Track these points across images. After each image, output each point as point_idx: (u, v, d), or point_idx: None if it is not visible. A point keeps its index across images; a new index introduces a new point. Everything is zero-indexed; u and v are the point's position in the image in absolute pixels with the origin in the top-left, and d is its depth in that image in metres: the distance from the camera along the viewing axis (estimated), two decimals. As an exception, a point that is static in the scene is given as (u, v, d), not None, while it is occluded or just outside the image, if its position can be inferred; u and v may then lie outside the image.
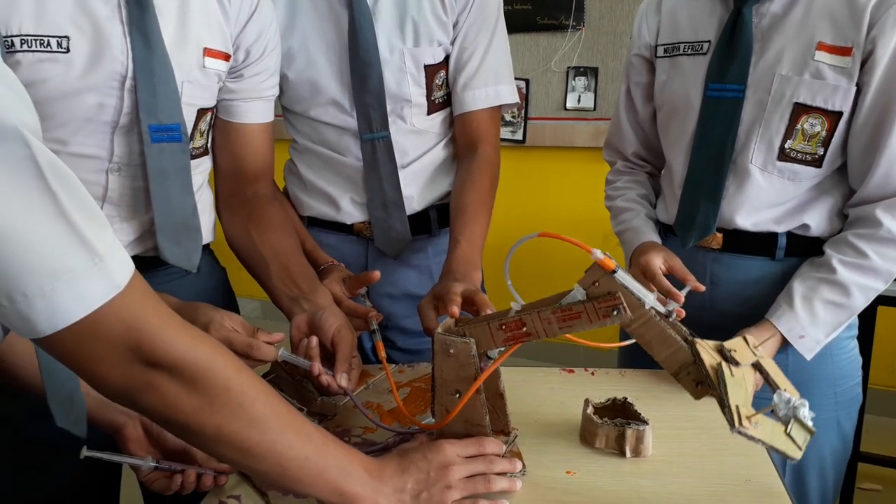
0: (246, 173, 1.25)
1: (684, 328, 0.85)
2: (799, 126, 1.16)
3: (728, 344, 0.84)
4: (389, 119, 1.37)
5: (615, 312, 0.82)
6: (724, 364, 0.81)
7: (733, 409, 0.77)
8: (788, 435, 0.80)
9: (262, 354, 0.96)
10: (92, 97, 1.01)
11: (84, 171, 1.05)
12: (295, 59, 1.35)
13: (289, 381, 1.13)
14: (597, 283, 0.82)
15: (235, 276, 1.35)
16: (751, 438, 0.77)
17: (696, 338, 0.83)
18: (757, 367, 0.85)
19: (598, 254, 0.80)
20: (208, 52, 1.12)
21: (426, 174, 1.44)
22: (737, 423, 0.76)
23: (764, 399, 0.81)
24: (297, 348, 1.08)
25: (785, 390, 0.82)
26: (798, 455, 0.80)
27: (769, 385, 0.85)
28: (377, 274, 1.29)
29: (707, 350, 0.82)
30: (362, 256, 1.46)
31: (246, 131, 1.23)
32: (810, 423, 0.81)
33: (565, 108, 3.09)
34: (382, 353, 1.16)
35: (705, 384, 0.82)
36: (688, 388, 0.84)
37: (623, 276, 0.81)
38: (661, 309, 0.83)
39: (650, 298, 0.82)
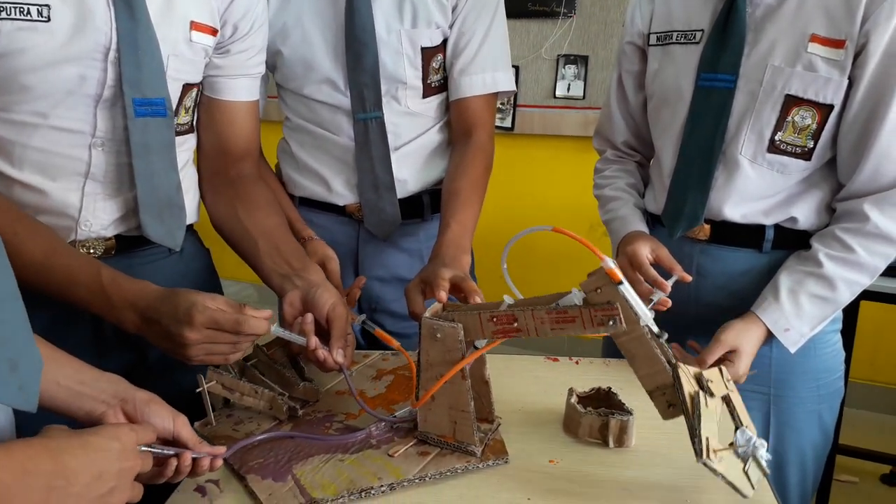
0: (231, 152, 1.23)
1: (669, 351, 0.85)
2: (790, 118, 1.15)
3: (706, 373, 0.86)
4: (384, 100, 1.36)
5: (610, 322, 0.82)
6: (701, 394, 0.83)
7: (703, 440, 0.80)
8: (745, 472, 0.84)
9: (252, 328, 0.94)
10: (74, 69, 0.99)
11: (66, 145, 1.03)
12: (290, 34, 1.33)
13: (270, 366, 1.12)
14: (599, 290, 0.82)
15: (217, 259, 1.33)
16: (713, 471, 0.81)
17: (679, 363, 0.84)
18: (726, 399, 0.88)
19: (610, 263, 0.80)
20: (195, 26, 1.10)
21: (420, 158, 1.43)
22: (704, 455, 0.79)
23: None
24: (291, 326, 1.07)
25: (747, 427, 0.86)
26: (750, 493, 0.83)
27: (733, 420, 0.87)
28: (362, 280, 1.30)
29: (687, 377, 0.84)
30: (353, 238, 1.45)
31: (231, 109, 1.21)
32: (765, 464, 0.86)
33: (554, 97, 3.08)
34: (395, 343, 1.12)
35: (677, 407, 0.84)
36: (659, 407, 0.86)
37: (627, 289, 0.81)
38: (655, 329, 0.84)
39: (648, 317, 0.82)
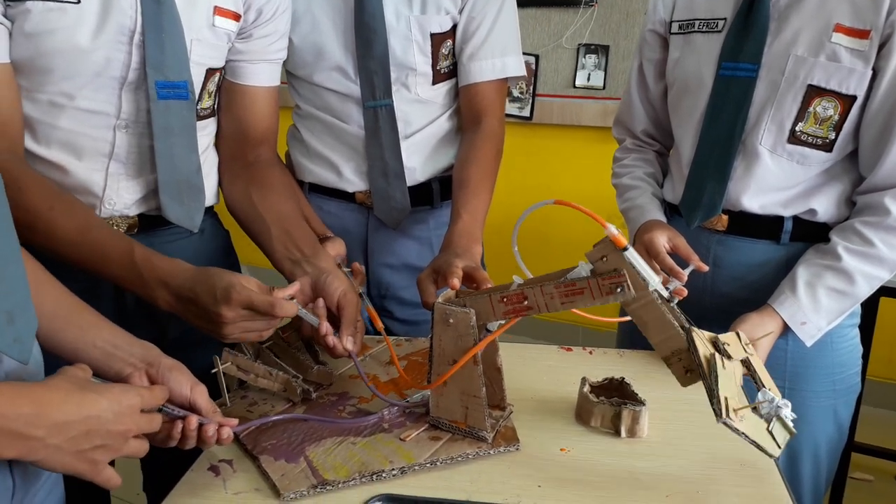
0: (249, 137, 1.24)
1: (682, 315, 0.84)
2: (811, 109, 1.14)
3: (722, 337, 0.85)
4: (393, 87, 1.36)
5: (619, 290, 0.81)
6: (717, 355, 0.82)
7: (722, 400, 0.79)
8: (770, 432, 0.82)
9: (284, 311, 0.97)
10: (100, 51, 1.00)
11: (91, 126, 1.05)
12: (300, 22, 1.33)
13: (285, 349, 1.13)
14: (605, 259, 0.81)
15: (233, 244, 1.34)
16: (735, 430, 0.79)
17: (693, 326, 0.83)
18: (745, 363, 0.87)
19: (613, 229, 0.79)
20: (218, 11, 1.10)
21: (430, 145, 1.42)
22: (723, 414, 0.78)
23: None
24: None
25: (770, 389, 0.84)
26: (777, 452, 0.82)
27: (754, 382, 0.86)
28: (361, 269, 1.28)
29: (702, 340, 0.83)
30: (363, 226, 1.45)
31: (251, 94, 1.21)
32: (791, 424, 0.84)
33: (574, 86, 3.06)
34: (379, 323, 1.15)
35: (695, 372, 0.83)
36: (677, 374, 0.85)
37: (632, 255, 0.80)
38: (665, 293, 0.83)
39: (655, 281, 0.81)
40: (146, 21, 1.01)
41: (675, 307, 0.84)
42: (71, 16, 0.97)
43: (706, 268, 1.16)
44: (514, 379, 1.07)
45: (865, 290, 1.13)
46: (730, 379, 0.81)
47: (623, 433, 0.97)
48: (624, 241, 0.79)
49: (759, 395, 0.84)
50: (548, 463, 0.92)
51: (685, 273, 1.13)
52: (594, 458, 0.93)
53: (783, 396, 1.22)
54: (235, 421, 0.88)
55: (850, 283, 1.12)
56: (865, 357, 1.29)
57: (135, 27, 1.01)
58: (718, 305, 1.24)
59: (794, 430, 0.84)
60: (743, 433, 0.79)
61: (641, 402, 0.99)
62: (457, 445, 0.94)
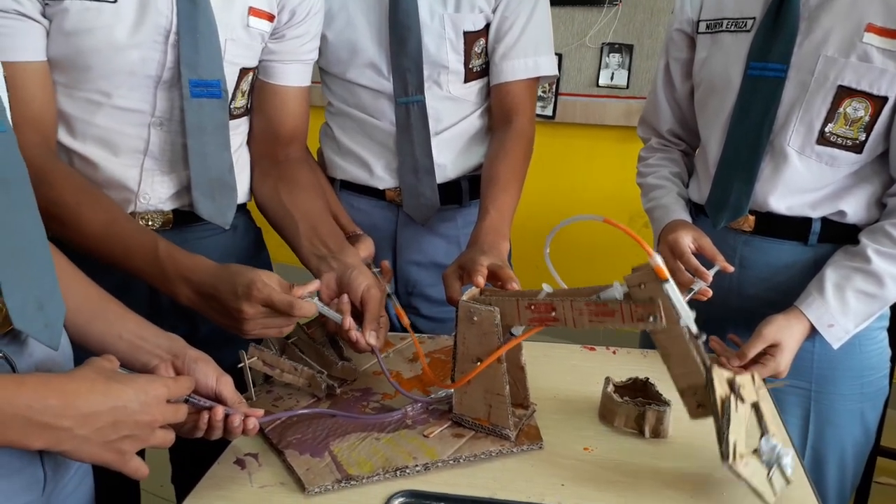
0: (280, 136, 1.25)
1: (704, 352, 0.85)
2: (841, 110, 1.12)
3: (738, 379, 0.85)
4: (426, 84, 1.36)
5: (651, 319, 0.81)
6: (731, 397, 0.83)
7: (731, 443, 0.80)
8: (769, 479, 0.83)
9: (303, 312, 0.97)
10: (136, 51, 1.02)
11: (127, 124, 1.06)
12: (335, 19, 1.34)
13: (310, 345, 1.14)
14: (643, 286, 0.81)
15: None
16: (737, 475, 0.81)
17: (714, 364, 0.84)
18: (755, 406, 0.88)
19: (658, 259, 0.79)
20: (253, 12, 1.12)
21: (460, 142, 1.43)
22: (730, 458, 0.80)
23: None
24: (328, 307, 1.09)
25: (773, 436, 0.86)
26: (772, 500, 0.83)
27: (760, 427, 0.87)
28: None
29: (721, 380, 0.84)
30: (392, 222, 1.46)
31: (282, 93, 1.23)
32: (790, 473, 0.85)
33: (597, 85, 3.04)
34: (406, 321, 1.16)
35: (707, 408, 0.84)
36: (688, 406, 0.86)
37: (672, 288, 0.80)
38: (695, 330, 0.83)
39: (689, 317, 0.81)
40: (181, 21, 1.03)
41: (701, 344, 0.84)
42: (108, 15, 0.99)
43: (732, 269, 1.15)
44: (538, 378, 1.07)
45: (895, 293, 1.12)
46: (740, 423, 0.83)
47: (647, 433, 0.97)
48: (666, 273, 0.79)
49: (762, 442, 0.84)
50: (571, 462, 0.92)
51: (710, 274, 1.12)
52: (618, 458, 0.93)
53: (810, 399, 1.22)
54: (261, 411, 0.88)
55: (880, 285, 1.11)
56: (894, 360, 1.28)
57: (170, 27, 1.03)
58: (744, 307, 1.23)
59: (791, 479, 0.86)
60: (745, 479, 0.81)
61: (666, 403, 0.99)
62: (480, 443, 0.94)
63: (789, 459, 0.84)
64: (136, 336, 0.86)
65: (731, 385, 0.84)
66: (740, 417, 0.83)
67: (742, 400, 0.84)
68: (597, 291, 0.85)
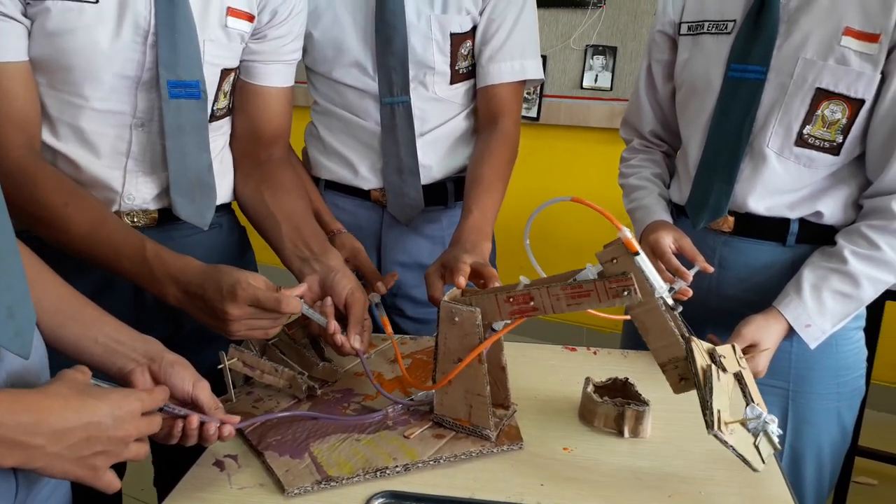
0: (262, 137, 1.24)
1: (683, 324, 0.85)
2: (819, 112, 1.14)
3: (719, 349, 0.86)
4: (411, 85, 1.36)
5: (625, 293, 0.81)
6: (713, 367, 0.83)
7: (714, 412, 0.80)
8: (756, 447, 0.84)
9: (290, 308, 0.97)
10: (118, 51, 1.01)
11: (109, 125, 1.06)
12: (321, 17, 1.34)
13: (291, 346, 1.13)
14: (615, 261, 0.82)
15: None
16: (724, 443, 0.81)
17: (693, 336, 0.84)
18: (738, 377, 0.88)
19: (627, 232, 0.79)
20: (231, 12, 1.11)
21: (445, 144, 1.43)
22: (715, 426, 0.80)
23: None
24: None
25: (758, 405, 0.86)
26: (760, 467, 0.83)
27: (744, 397, 0.87)
28: (395, 276, 1.31)
29: (700, 350, 0.84)
30: (377, 223, 1.46)
31: (264, 94, 1.22)
32: (776, 440, 0.85)
33: (581, 87, 3.06)
34: (389, 330, 1.16)
35: (689, 381, 0.84)
36: (671, 380, 0.87)
37: (643, 261, 0.81)
38: (670, 301, 0.83)
39: (662, 288, 0.82)
40: (159, 21, 1.02)
41: (678, 315, 0.85)
42: (89, 15, 0.98)
43: (711, 269, 1.16)
44: (518, 378, 1.07)
45: (871, 294, 1.13)
46: (723, 392, 0.83)
47: (626, 433, 0.98)
48: (636, 245, 0.80)
49: (748, 411, 0.85)
50: (551, 462, 0.92)
51: (690, 274, 1.13)
52: (597, 458, 0.93)
53: (787, 399, 1.23)
54: (237, 418, 0.87)
55: (856, 286, 1.12)
56: (870, 360, 1.29)
57: (149, 27, 1.02)
58: (723, 307, 1.24)
59: (778, 445, 0.86)
60: (731, 446, 0.81)
61: (645, 403, 0.99)
62: (460, 443, 0.94)
63: (775, 426, 0.85)
64: (112, 339, 0.85)
65: (712, 356, 0.85)
66: (722, 386, 0.83)
67: (724, 370, 0.84)
68: (572, 276, 0.86)
